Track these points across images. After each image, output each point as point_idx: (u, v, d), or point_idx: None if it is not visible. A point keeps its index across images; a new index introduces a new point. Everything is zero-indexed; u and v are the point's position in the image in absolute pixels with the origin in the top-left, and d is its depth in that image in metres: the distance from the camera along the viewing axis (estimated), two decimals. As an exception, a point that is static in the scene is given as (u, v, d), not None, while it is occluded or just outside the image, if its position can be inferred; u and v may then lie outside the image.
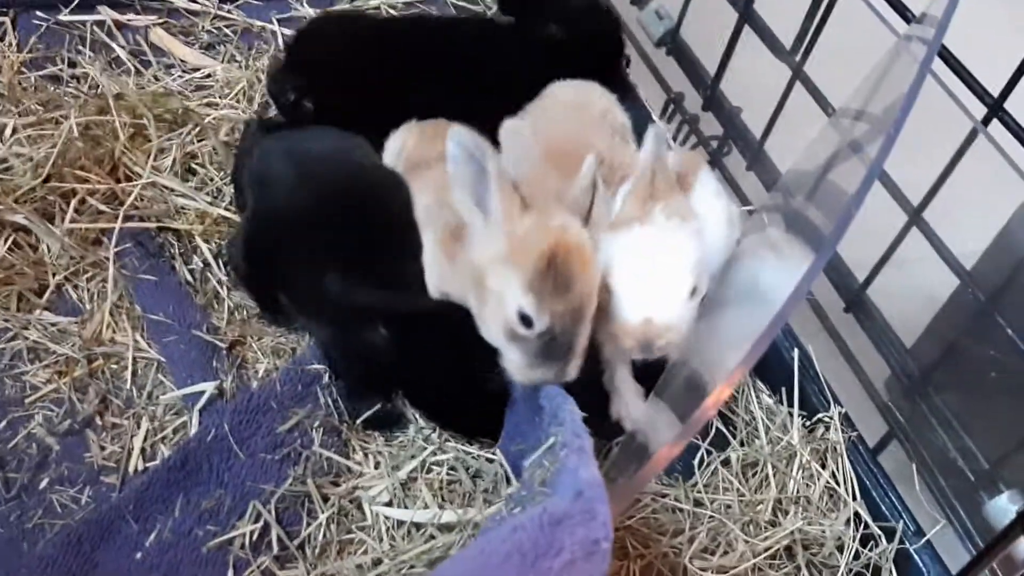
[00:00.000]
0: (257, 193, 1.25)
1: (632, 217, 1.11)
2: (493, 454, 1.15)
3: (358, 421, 1.17)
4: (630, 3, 1.81)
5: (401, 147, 1.32)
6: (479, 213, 1.04)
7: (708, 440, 1.25)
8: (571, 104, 1.38)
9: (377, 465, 1.15)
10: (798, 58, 1.43)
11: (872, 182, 0.88)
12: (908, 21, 1.23)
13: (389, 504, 1.11)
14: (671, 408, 1.10)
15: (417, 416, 1.20)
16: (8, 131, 1.34)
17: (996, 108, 1.12)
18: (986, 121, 1.14)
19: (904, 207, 1.30)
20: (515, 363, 1.03)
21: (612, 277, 1.09)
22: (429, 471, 1.15)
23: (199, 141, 1.44)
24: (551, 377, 1.02)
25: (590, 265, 1.02)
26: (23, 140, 1.33)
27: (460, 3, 1.81)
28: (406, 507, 1.11)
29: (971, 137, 1.16)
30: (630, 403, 1.22)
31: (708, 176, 1.27)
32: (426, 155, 1.27)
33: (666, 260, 1.08)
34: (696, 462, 1.23)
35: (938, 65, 1.20)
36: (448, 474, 1.15)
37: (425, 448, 1.16)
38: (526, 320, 1.00)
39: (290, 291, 1.22)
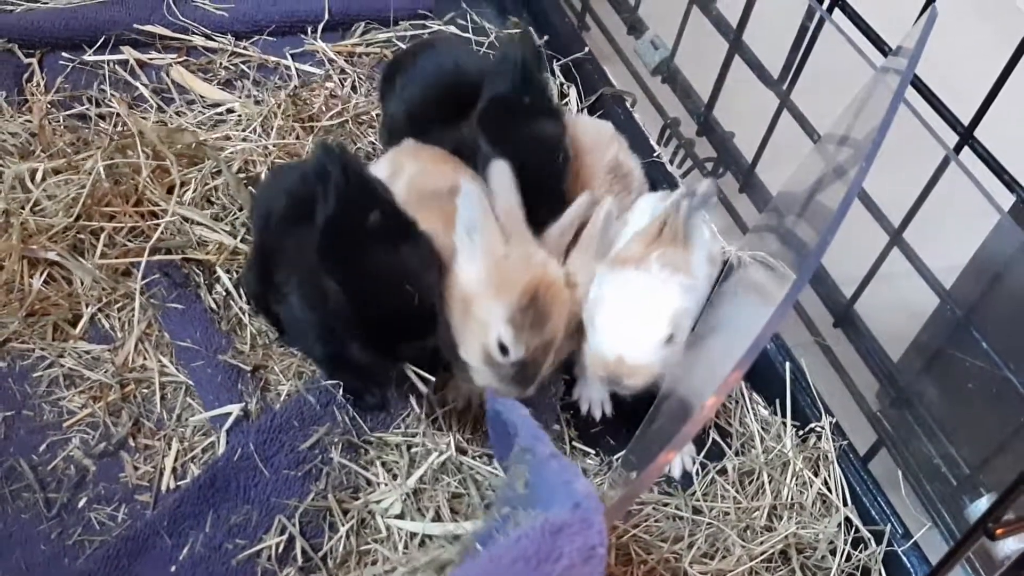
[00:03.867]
0: (260, 226, 1.31)
1: (632, 257, 1.19)
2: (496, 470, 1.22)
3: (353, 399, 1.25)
4: (627, 33, 1.87)
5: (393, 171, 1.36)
6: (470, 242, 1.13)
7: (705, 451, 1.31)
8: (581, 144, 1.43)
9: (396, 477, 1.21)
10: (785, 87, 1.50)
11: (847, 209, 0.94)
12: (885, 54, 1.29)
13: (401, 516, 1.18)
14: (661, 431, 1.17)
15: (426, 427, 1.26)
16: (40, 175, 1.41)
17: (966, 137, 1.19)
18: (958, 149, 1.20)
19: (886, 228, 1.36)
20: (483, 377, 1.13)
21: (598, 310, 1.17)
22: (439, 482, 1.21)
23: (217, 174, 1.50)
24: (512, 394, 1.12)
25: (563, 303, 1.13)
26: (53, 184, 1.40)
27: (465, 35, 1.87)
28: (422, 516, 1.18)
29: (945, 163, 1.22)
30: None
31: None
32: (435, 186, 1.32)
33: (648, 306, 1.16)
34: (695, 472, 1.29)
35: (916, 95, 1.27)
36: (456, 487, 1.21)
37: (433, 457, 1.22)
38: (504, 349, 1.09)
39: (287, 314, 1.27)
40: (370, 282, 1.08)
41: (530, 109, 1.31)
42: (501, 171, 1.18)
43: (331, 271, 1.08)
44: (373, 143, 1.64)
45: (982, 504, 1.15)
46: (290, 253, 1.18)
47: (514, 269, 1.11)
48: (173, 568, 1.11)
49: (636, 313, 1.16)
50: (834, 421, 1.31)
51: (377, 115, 1.68)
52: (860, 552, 1.22)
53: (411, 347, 1.13)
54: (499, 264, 1.11)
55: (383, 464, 1.23)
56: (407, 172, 1.33)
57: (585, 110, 1.75)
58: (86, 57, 1.68)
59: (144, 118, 1.59)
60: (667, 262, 1.18)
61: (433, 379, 1.18)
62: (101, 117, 1.60)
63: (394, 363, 1.17)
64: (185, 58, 1.73)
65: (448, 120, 1.40)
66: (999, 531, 0.78)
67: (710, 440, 1.33)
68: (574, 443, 1.31)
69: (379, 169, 1.37)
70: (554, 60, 1.81)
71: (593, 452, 1.31)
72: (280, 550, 1.13)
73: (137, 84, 1.66)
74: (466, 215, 1.14)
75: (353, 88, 1.73)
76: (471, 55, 1.66)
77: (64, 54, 1.67)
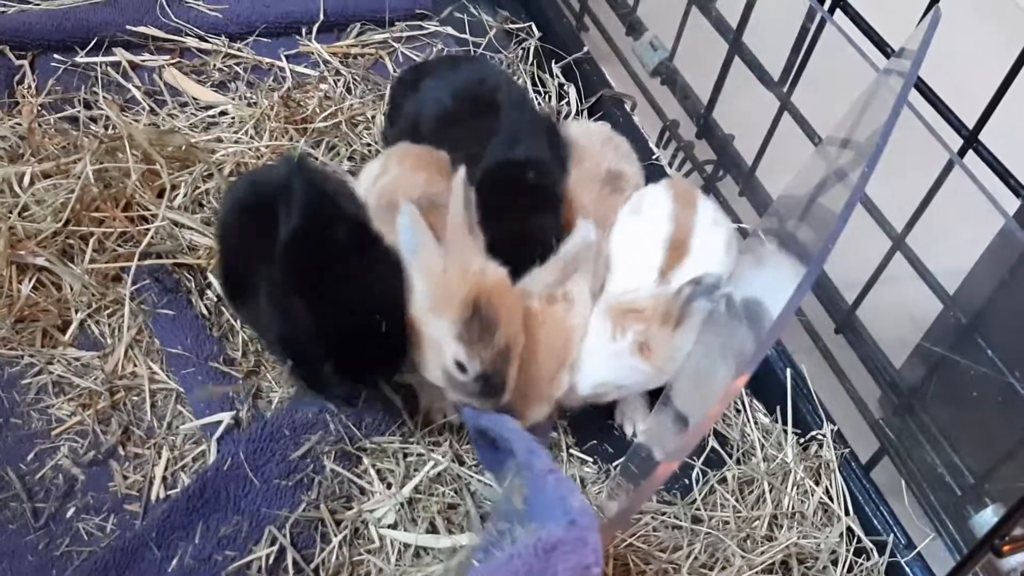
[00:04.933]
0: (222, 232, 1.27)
1: (621, 317, 1.19)
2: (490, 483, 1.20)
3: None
4: (625, 34, 1.86)
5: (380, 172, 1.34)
6: (413, 262, 1.12)
7: (703, 458, 1.29)
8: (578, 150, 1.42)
9: (390, 486, 1.19)
10: (786, 88, 1.48)
11: (850, 214, 0.93)
12: (887, 55, 1.27)
13: (394, 526, 1.16)
14: (660, 441, 1.15)
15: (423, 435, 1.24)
16: (27, 179, 1.38)
17: (971, 140, 1.17)
18: (962, 152, 1.19)
19: (889, 232, 1.34)
20: (453, 395, 1.13)
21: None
22: (433, 493, 1.19)
23: (208, 178, 1.48)
24: (487, 407, 1.11)
25: (511, 305, 1.11)
26: (41, 189, 1.38)
27: (462, 35, 1.86)
28: (415, 525, 1.16)
29: (949, 166, 1.20)
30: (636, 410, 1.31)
31: (705, 204, 1.32)
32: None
33: (592, 365, 1.21)
34: (694, 480, 1.27)
35: (919, 98, 1.25)
36: (452, 497, 1.19)
37: (428, 467, 1.21)
38: (461, 367, 1.08)
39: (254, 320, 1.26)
40: (333, 298, 1.07)
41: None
42: (457, 181, 1.15)
43: (296, 288, 1.07)
44: (368, 144, 1.62)
45: (987, 515, 1.14)
46: (253, 265, 1.15)
47: (452, 283, 1.09)
48: (162, 580, 1.09)
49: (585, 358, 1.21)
50: (836, 429, 1.30)
51: (372, 116, 1.66)
52: (862, 562, 1.20)
53: (382, 370, 1.14)
54: (438, 281, 1.10)
55: (378, 472, 1.21)
56: (386, 177, 1.31)
57: (585, 111, 1.73)
58: (78, 59, 1.66)
59: (136, 120, 1.57)
60: (642, 344, 1.18)
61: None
62: (92, 120, 1.57)
63: (365, 385, 1.17)
64: (178, 60, 1.71)
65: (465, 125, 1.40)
66: (1007, 548, 0.76)
67: (709, 448, 1.31)
68: (571, 451, 1.29)
69: (370, 169, 1.36)
70: (553, 60, 1.80)
71: (591, 460, 1.29)
72: (271, 561, 1.11)
73: (129, 86, 1.64)
74: (405, 235, 1.13)
75: (348, 90, 1.71)
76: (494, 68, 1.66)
77: (56, 56, 1.65)
